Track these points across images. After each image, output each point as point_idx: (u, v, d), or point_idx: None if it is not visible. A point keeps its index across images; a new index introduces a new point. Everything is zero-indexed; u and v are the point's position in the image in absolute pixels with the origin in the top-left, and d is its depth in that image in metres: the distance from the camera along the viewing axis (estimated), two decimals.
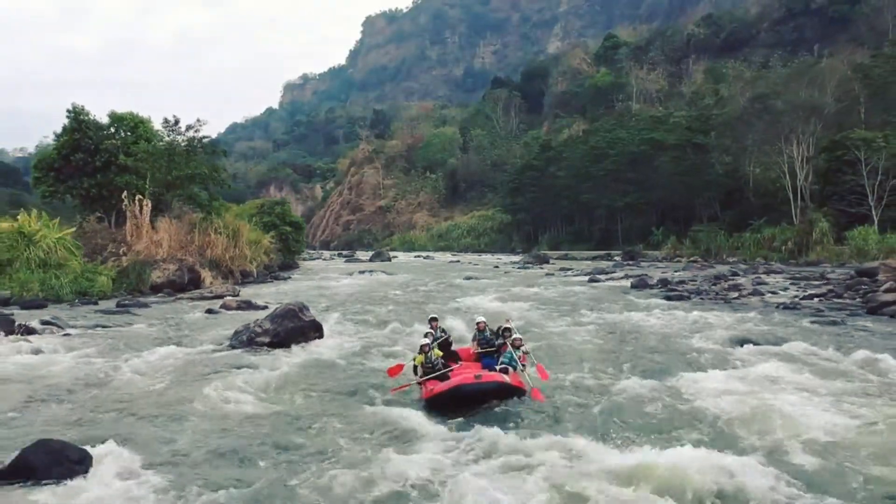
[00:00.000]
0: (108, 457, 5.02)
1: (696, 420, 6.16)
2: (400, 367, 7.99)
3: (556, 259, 47.26)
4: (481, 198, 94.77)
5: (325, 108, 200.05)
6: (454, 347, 8.58)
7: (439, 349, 7.89)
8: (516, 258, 50.87)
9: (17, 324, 11.58)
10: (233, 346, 10.28)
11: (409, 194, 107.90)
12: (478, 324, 8.45)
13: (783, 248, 38.52)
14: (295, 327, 10.50)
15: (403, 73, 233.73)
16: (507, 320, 8.67)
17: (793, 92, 47.67)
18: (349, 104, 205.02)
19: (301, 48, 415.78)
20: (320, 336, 10.91)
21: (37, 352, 9.77)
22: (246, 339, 10.36)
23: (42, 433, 5.47)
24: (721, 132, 51.79)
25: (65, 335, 11.38)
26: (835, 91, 49.46)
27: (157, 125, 31.77)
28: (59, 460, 4.77)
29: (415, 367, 7.63)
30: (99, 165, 28.92)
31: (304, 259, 48.04)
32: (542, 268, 36.07)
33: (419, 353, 7.64)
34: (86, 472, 4.78)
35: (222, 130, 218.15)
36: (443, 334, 8.52)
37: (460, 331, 11.19)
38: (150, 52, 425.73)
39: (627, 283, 22.32)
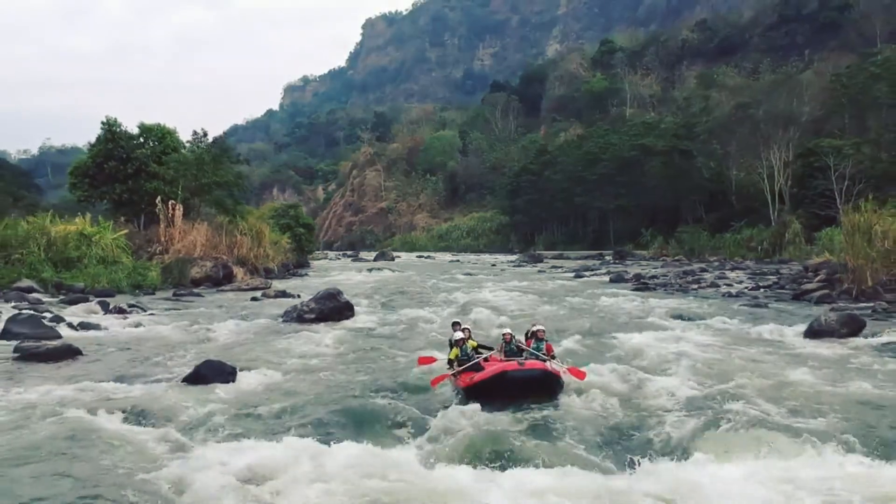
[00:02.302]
0: (245, 373, 8.08)
1: (619, 358, 9.20)
2: (432, 359, 8.41)
3: (550, 258, 50.33)
4: (480, 199, 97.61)
5: (326, 109, 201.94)
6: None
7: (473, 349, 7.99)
8: (513, 258, 53.93)
9: (111, 306, 14.63)
10: (286, 321, 13.35)
11: (409, 196, 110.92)
12: (504, 335, 7.99)
13: (759, 247, 41.68)
14: (334, 307, 13.57)
15: (403, 75, 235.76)
16: (534, 325, 8.49)
17: (772, 102, 50.86)
18: (349, 106, 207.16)
19: (301, 50, 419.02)
20: (352, 314, 13.98)
21: (138, 325, 12.80)
22: (296, 316, 13.42)
23: (192, 363, 8.48)
24: (706, 139, 54.90)
25: (150, 314, 14.44)
26: (815, 99, 52.68)
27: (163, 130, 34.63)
28: (218, 372, 7.83)
29: (450, 361, 7.79)
30: (130, 172, 31.81)
31: (313, 259, 51.08)
32: (535, 266, 39.20)
33: (454, 348, 7.84)
34: (234, 380, 7.82)
35: (223, 132, 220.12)
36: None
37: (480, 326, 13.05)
38: (150, 52, 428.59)
39: (607, 278, 25.44)
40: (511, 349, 7.70)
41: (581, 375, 7.36)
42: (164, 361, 9.18)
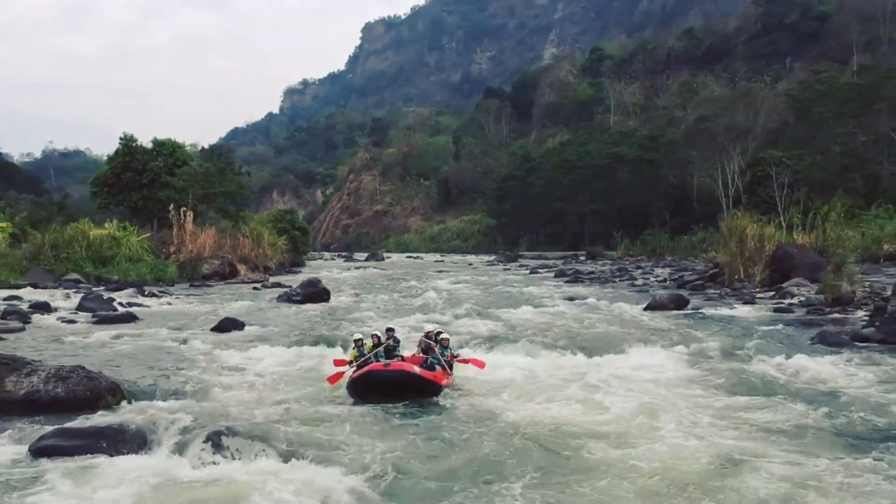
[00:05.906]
0: (249, 326, 12.70)
1: (500, 320, 13.78)
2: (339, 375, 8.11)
3: (529, 259, 54.89)
4: (471, 203, 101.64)
5: (325, 113, 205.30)
6: (404, 354, 8.49)
7: (385, 354, 8.09)
8: (493, 258, 58.55)
9: (146, 292, 19.24)
10: (279, 302, 17.97)
11: (404, 199, 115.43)
12: (427, 332, 8.79)
13: (709, 248, 46.34)
14: (314, 292, 18.21)
15: (402, 79, 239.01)
16: (439, 332, 8.81)
17: (728, 115, 55.65)
18: (348, 109, 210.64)
19: (301, 53, 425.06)
20: (328, 298, 18.59)
21: (170, 304, 17.43)
22: (286, 298, 18.06)
23: (214, 322, 13.04)
24: (670, 149, 59.67)
25: (176, 297, 19.08)
26: (772, 111, 57.44)
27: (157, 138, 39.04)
28: (233, 324, 12.48)
29: (350, 362, 8.16)
30: (145, 182, 36.51)
31: (308, 260, 55.71)
32: (506, 265, 43.84)
33: (353, 349, 8.29)
34: (243, 329, 12.45)
35: (223, 135, 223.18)
36: (391, 342, 8.40)
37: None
38: (150, 55, 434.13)
39: (553, 273, 30.07)
40: (424, 348, 8.38)
41: (481, 365, 8.36)
42: (196, 322, 13.81)
